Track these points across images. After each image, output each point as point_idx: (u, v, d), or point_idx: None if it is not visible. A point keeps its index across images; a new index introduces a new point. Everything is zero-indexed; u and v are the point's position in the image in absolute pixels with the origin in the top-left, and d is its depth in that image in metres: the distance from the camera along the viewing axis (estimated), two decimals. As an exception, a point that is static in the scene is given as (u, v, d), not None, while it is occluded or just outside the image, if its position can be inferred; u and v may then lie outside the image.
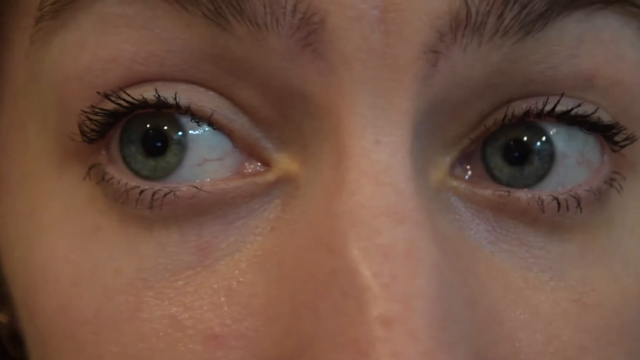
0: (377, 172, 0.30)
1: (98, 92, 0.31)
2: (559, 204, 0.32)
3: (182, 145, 0.31)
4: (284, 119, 0.31)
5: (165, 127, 0.31)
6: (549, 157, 0.32)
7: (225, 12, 0.29)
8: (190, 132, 0.31)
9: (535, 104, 0.32)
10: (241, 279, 0.31)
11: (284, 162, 0.31)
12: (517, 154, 0.32)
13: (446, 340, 0.28)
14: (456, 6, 0.29)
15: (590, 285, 0.33)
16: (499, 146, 0.32)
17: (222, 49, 0.30)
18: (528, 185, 0.32)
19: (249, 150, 0.31)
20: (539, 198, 0.32)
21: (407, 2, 0.29)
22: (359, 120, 0.30)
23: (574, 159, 0.33)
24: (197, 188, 0.31)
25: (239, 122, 0.31)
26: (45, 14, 0.31)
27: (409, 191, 0.30)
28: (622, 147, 0.33)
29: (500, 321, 0.31)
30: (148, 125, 0.31)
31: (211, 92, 0.31)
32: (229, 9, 0.29)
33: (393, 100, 0.30)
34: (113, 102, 0.31)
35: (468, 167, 0.32)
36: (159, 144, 0.31)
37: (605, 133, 0.33)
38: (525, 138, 0.32)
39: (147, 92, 0.31)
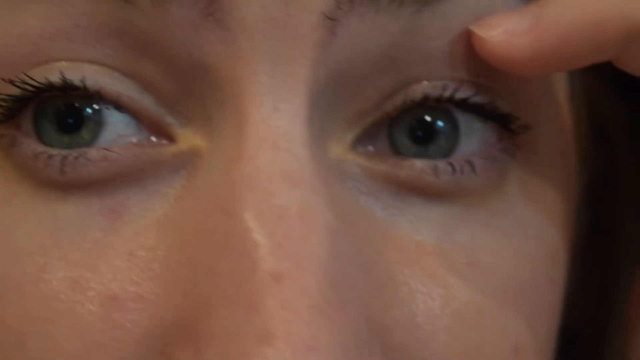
0: (275, 137, 0.30)
1: (2, 79, 0.31)
2: (453, 169, 0.33)
3: (97, 122, 0.32)
4: (188, 93, 0.32)
5: (79, 104, 0.32)
6: (454, 136, 0.33)
7: None
8: (105, 109, 0.32)
9: (433, 89, 0.33)
10: (144, 244, 0.31)
11: (189, 137, 0.32)
12: (421, 134, 0.33)
13: (337, 298, 0.29)
14: None
15: (482, 246, 0.33)
16: (405, 126, 0.33)
17: (127, 22, 0.31)
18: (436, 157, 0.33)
19: (154, 128, 0.32)
20: (434, 165, 0.33)
21: None
22: (258, 88, 0.31)
23: (476, 138, 0.34)
24: (107, 150, 0.31)
25: (144, 102, 0.32)
26: None
27: (306, 157, 0.30)
28: (518, 134, 0.34)
29: (396, 286, 0.32)
30: (62, 102, 0.32)
31: (116, 73, 0.32)
32: None
33: (292, 68, 0.31)
34: (18, 87, 0.31)
35: (370, 147, 0.33)
36: (72, 121, 0.32)
37: (501, 122, 0.34)
38: (429, 118, 0.33)
39: (53, 75, 0.31)
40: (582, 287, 0.41)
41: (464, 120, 0.33)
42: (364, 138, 0.33)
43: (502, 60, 0.32)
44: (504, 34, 0.32)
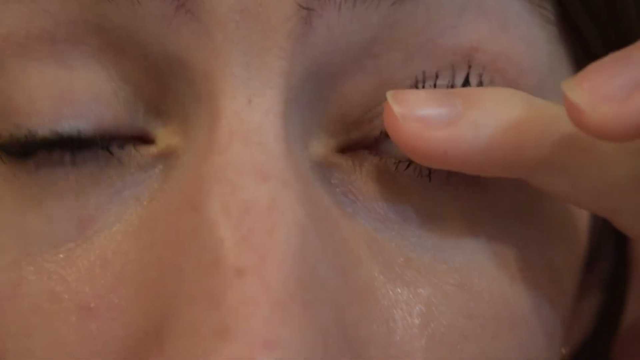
0: (247, 131, 0.29)
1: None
2: (420, 172, 0.31)
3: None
4: (166, 91, 0.31)
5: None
6: None
7: None
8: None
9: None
10: (116, 249, 0.30)
11: (167, 137, 0.31)
12: None
13: (303, 296, 0.28)
14: None
15: (477, 270, 0.32)
16: None
17: (102, 17, 0.30)
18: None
19: (134, 133, 0.31)
20: (418, 168, 0.31)
21: None
22: (232, 80, 0.30)
23: None
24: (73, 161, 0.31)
25: (124, 105, 0.31)
26: None
27: (279, 151, 0.29)
28: None
29: (376, 298, 0.30)
30: None
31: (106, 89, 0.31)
32: None
33: (267, 60, 0.30)
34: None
35: (366, 151, 0.32)
36: None
37: None
38: None
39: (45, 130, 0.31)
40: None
41: None
42: (352, 144, 0.32)
43: (409, 147, 0.30)
44: (419, 120, 0.30)
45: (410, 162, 0.31)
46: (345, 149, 0.32)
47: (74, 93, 0.31)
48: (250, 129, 0.29)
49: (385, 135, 0.31)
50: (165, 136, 0.31)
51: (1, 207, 0.32)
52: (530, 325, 0.32)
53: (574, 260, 0.35)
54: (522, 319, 0.32)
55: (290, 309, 0.27)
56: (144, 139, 0.31)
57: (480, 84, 0.32)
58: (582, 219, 0.35)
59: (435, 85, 0.31)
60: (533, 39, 0.33)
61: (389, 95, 0.30)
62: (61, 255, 0.31)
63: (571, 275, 0.35)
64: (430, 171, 0.32)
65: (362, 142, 0.32)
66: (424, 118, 0.30)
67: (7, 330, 0.30)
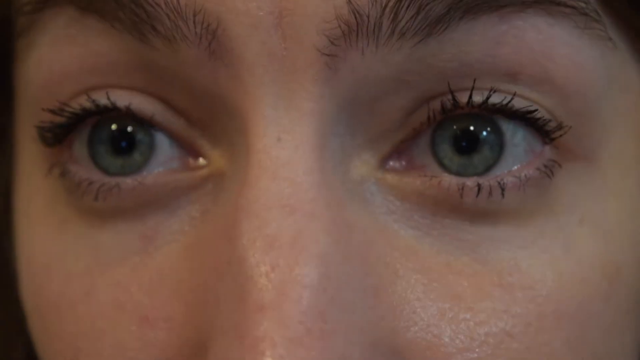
0: (276, 167, 0.31)
1: (43, 109, 0.34)
2: (479, 190, 0.32)
3: (148, 145, 0.34)
4: (212, 119, 0.33)
5: (131, 128, 0.34)
6: (499, 146, 0.33)
7: (141, 27, 0.32)
8: (153, 132, 0.34)
9: (449, 99, 0.32)
10: (172, 267, 0.33)
11: (216, 159, 0.34)
12: (465, 144, 0.33)
13: (322, 327, 0.30)
14: (344, 11, 0.31)
15: (518, 268, 0.33)
16: (448, 136, 0.33)
17: (147, 60, 0.33)
18: (477, 173, 0.33)
19: (191, 148, 0.34)
20: (462, 184, 0.32)
21: (299, 8, 0.31)
22: (262, 119, 0.32)
23: (521, 147, 0.33)
24: (138, 182, 0.34)
25: (176, 123, 0.34)
26: (18, 33, 0.36)
27: (307, 184, 0.31)
28: (554, 138, 0.33)
29: (413, 307, 0.32)
30: (115, 127, 0.34)
31: (150, 98, 0.34)
32: (143, 25, 0.32)
33: (294, 101, 0.31)
34: (59, 115, 0.34)
35: (404, 163, 0.33)
36: (125, 144, 0.34)
37: (530, 122, 0.33)
38: (473, 128, 0.33)
39: (88, 103, 0.34)
40: None
41: (509, 129, 0.33)
42: (395, 155, 0.33)
43: None
44: None
45: (463, 186, 0.32)
46: (390, 165, 0.33)
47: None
48: (278, 164, 0.31)
49: (426, 147, 0.33)
50: (215, 158, 0.34)
51: (75, 219, 0.35)
52: (578, 319, 0.33)
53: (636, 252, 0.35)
54: (568, 313, 0.33)
55: (306, 344, 0.29)
56: (196, 157, 0.34)
57: (520, 107, 0.32)
58: None
59: (470, 99, 0.32)
60: (583, 63, 0.33)
61: None
62: (127, 268, 0.34)
63: (631, 266, 0.35)
64: (479, 190, 0.32)
65: (403, 155, 0.33)
66: None
67: (80, 331, 0.34)
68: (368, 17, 0.31)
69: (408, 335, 0.32)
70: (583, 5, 0.32)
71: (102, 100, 0.34)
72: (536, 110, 0.32)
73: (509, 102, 0.32)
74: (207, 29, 0.31)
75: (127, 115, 0.34)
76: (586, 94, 0.33)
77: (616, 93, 0.35)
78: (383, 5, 0.31)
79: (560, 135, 0.33)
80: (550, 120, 0.33)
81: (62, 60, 0.34)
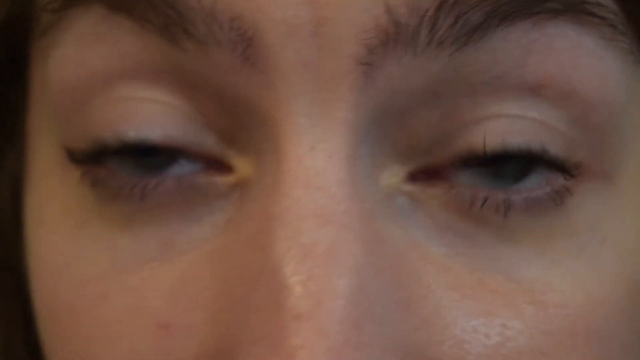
0: (309, 176, 0.31)
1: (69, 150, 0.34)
2: (483, 203, 0.32)
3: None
4: (240, 127, 0.33)
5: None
6: (526, 159, 0.33)
7: (173, 29, 0.32)
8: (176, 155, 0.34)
9: (477, 142, 0.32)
10: (195, 274, 0.33)
11: (243, 167, 0.33)
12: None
13: (357, 339, 0.30)
14: (383, 20, 0.30)
15: (549, 286, 0.33)
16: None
17: (177, 63, 0.32)
18: (507, 187, 0.33)
19: (216, 161, 0.33)
20: (494, 205, 0.32)
21: (337, 16, 0.31)
22: (295, 128, 0.31)
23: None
24: (161, 181, 0.33)
25: (206, 140, 0.33)
26: (41, 31, 0.35)
27: (340, 195, 0.31)
28: (574, 175, 0.33)
29: (446, 322, 0.32)
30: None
31: (179, 115, 0.33)
32: (175, 27, 0.32)
33: (329, 110, 0.31)
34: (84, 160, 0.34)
35: (431, 177, 0.33)
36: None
37: (553, 168, 0.33)
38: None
39: (116, 142, 0.33)
40: None
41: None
42: (423, 168, 0.33)
43: None
44: None
45: (486, 199, 0.32)
46: (417, 177, 0.33)
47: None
48: (312, 173, 0.31)
49: (455, 166, 0.33)
50: (241, 166, 0.33)
51: (92, 222, 0.35)
52: (604, 337, 0.33)
53: None
54: (596, 331, 0.33)
55: (344, 354, 0.29)
56: (221, 167, 0.33)
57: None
58: None
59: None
60: (606, 74, 0.33)
61: None
62: (145, 274, 0.33)
63: None
64: (507, 208, 0.32)
65: (433, 169, 0.33)
66: None
67: (93, 336, 0.34)
68: (407, 26, 0.31)
69: (441, 349, 0.32)
70: (612, 17, 0.33)
71: (131, 133, 0.33)
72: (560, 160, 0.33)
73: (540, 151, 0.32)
74: (243, 35, 0.31)
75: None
76: (608, 107, 0.33)
77: (634, 109, 0.35)
78: (422, 14, 0.31)
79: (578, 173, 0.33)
80: (569, 165, 0.33)
81: (88, 60, 0.33)
